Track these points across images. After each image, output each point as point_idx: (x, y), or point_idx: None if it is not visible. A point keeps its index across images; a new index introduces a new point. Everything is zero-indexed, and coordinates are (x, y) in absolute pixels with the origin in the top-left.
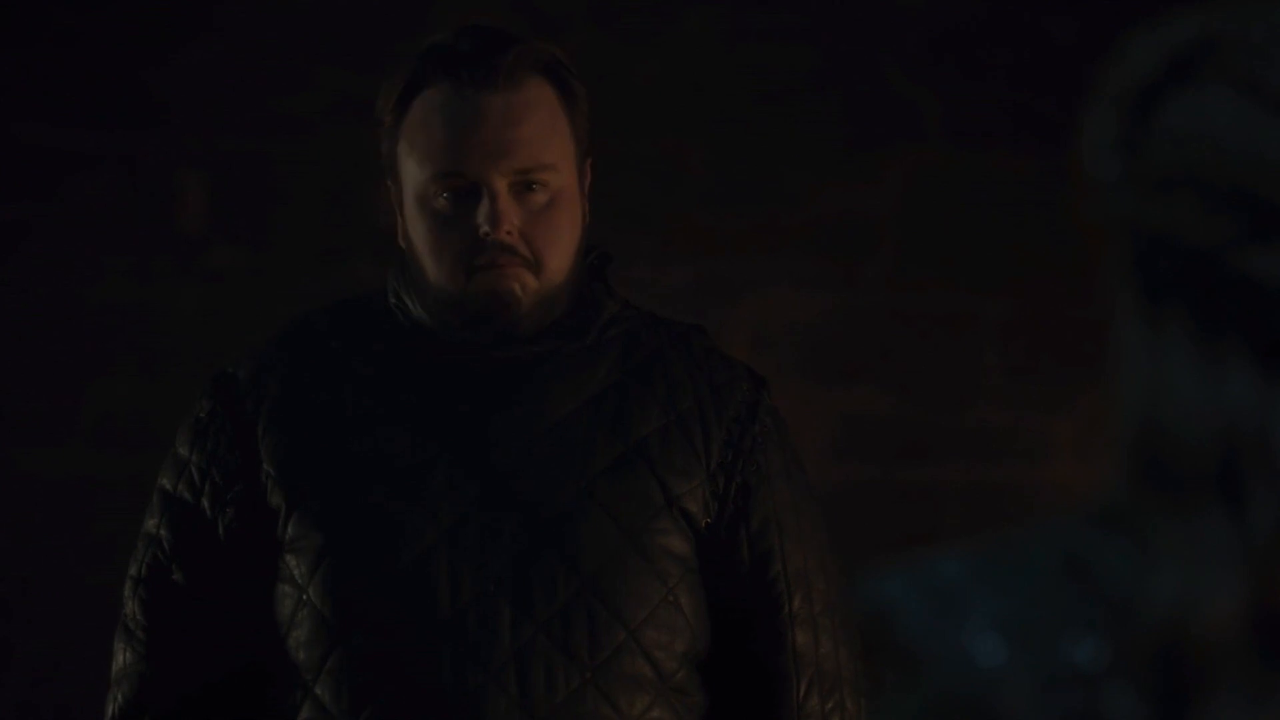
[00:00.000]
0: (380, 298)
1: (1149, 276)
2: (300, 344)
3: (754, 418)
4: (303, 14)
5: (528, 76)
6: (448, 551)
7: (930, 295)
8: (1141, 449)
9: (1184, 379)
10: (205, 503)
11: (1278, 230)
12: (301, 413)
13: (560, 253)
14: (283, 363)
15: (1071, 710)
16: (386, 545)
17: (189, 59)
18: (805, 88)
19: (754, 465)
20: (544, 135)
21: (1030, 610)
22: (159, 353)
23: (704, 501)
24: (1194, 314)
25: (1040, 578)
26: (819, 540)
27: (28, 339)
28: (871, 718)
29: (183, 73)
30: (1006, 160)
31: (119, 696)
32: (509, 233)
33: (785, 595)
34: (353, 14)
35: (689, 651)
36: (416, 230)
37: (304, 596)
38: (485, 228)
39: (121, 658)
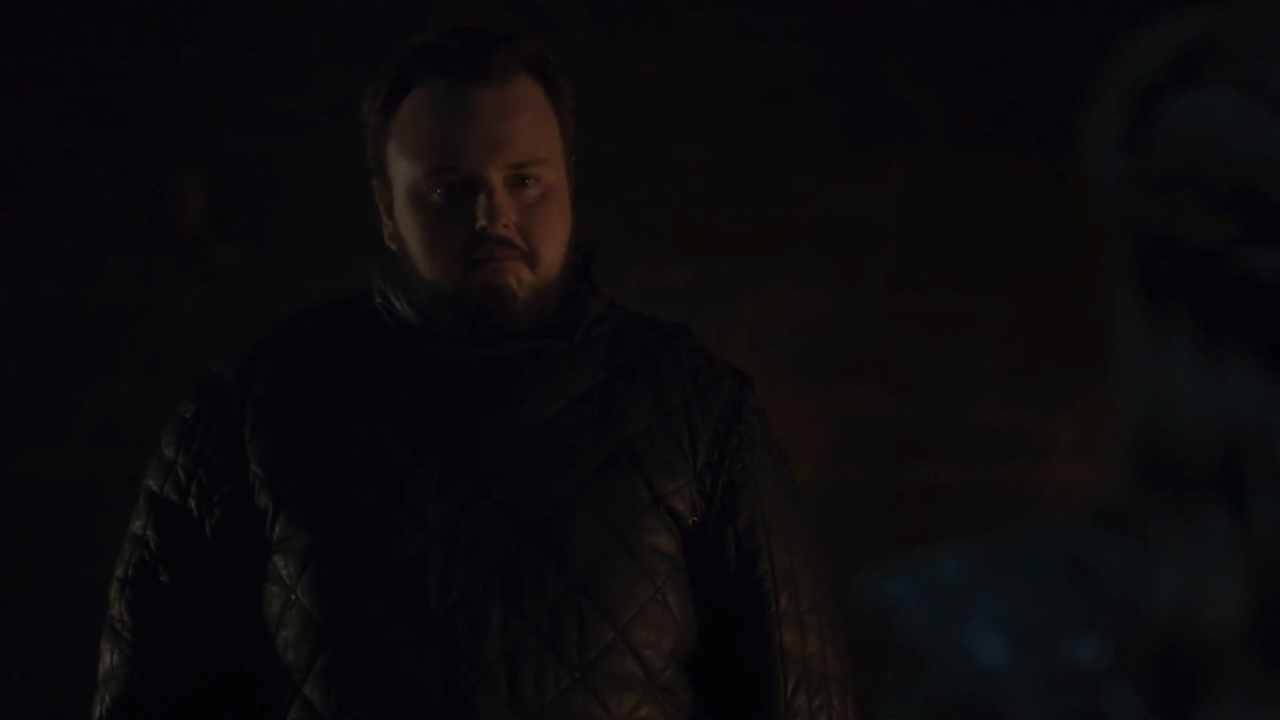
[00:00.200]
0: (367, 298)
1: (1150, 276)
2: (287, 345)
3: (739, 416)
4: (303, 14)
5: (518, 73)
6: (437, 551)
7: (930, 295)
8: (1143, 449)
9: (1185, 379)
10: (192, 503)
11: (1279, 230)
12: (289, 413)
13: (554, 247)
14: (269, 363)
15: (1073, 710)
16: (375, 545)
17: (189, 59)
18: (805, 88)
19: (740, 464)
20: (536, 130)
21: (1032, 610)
22: (159, 353)
23: (691, 500)
24: (1195, 314)
25: (1042, 578)
26: (806, 539)
27: (28, 339)
28: (873, 718)
29: (183, 73)
30: (1006, 160)
31: (106, 698)
32: (506, 226)
33: (772, 594)
34: (353, 14)
35: (677, 650)
36: (409, 228)
37: (292, 597)
38: (482, 222)
39: (109, 659)
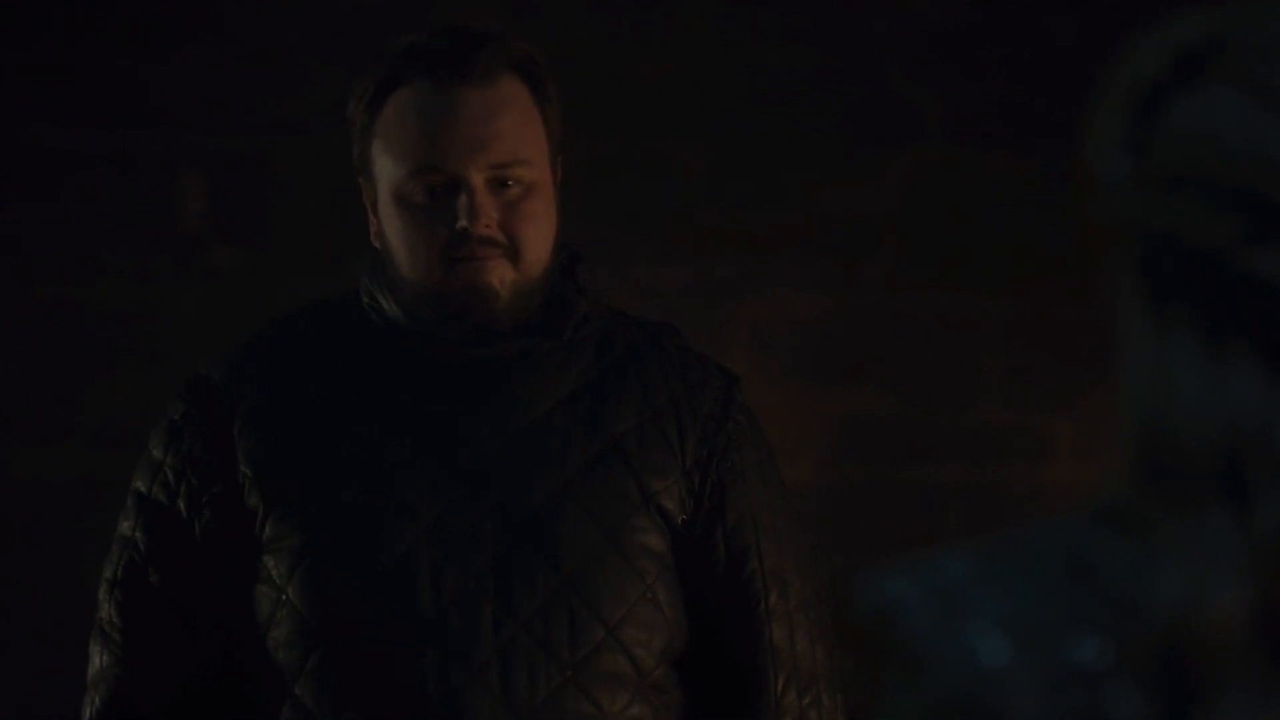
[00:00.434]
0: (355, 298)
1: (1154, 277)
2: (276, 345)
3: (727, 415)
4: (303, 14)
5: (502, 73)
6: (428, 551)
7: (930, 295)
8: (1146, 449)
9: (1189, 379)
10: (181, 504)
11: None
12: (278, 413)
13: (537, 245)
14: (258, 364)
15: (1075, 710)
16: (366, 545)
17: (189, 59)
18: (805, 88)
19: (728, 462)
20: (520, 130)
21: (1034, 610)
22: (159, 353)
23: (680, 499)
24: (1198, 314)
25: (1044, 578)
26: (794, 537)
27: (28, 339)
28: (874, 718)
29: (183, 73)
30: (1006, 160)
31: (96, 700)
32: (488, 226)
33: (761, 592)
34: (353, 14)
35: (667, 649)
36: (393, 226)
37: (283, 597)
38: (464, 222)
39: (98, 660)
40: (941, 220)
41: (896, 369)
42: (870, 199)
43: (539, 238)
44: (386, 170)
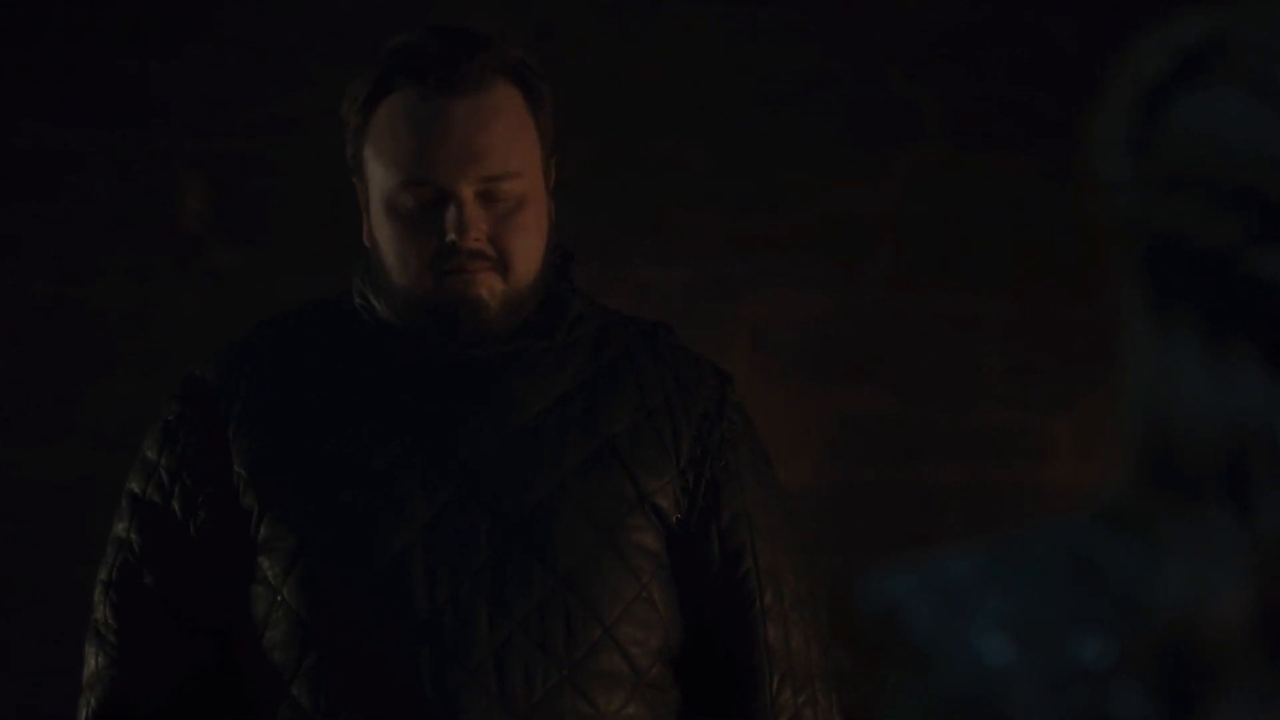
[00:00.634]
0: (348, 298)
1: (1158, 276)
2: (269, 345)
3: (721, 414)
4: (303, 14)
5: (494, 80)
6: (423, 551)
7: (930, 295)
8: (1149, 448)
9: (1192, 379)
10: (176, 505)
11: None
12: (272, 414)
13: (527, 255)
14: (252, 364)
15: (1078, 709)
16: (361, 545)
17: (189, 59)
18: (805, 88)
19: (723, 462)
20: (510, 140)
21: (1037, 610)
22: (159, 353)
23: (674, 498)
24: (1202, 314)
25: (1047, 577)
26: (788, 536)
27: (28, 339)
28: (878, 717)
29: (183, 73)
30: (1006, 160)
31: (91, 701)
32: (477, 239)
33: (756, 591)
34: (353, 14)
35: (663, 648)
36: (384, 234)
37: (279, 598)
38: (453, 236)
39: (93, 662)
40: (941, 220)
41: (896, 369)
42: (870, 199)
43: (529, 249)
44: (378, 176)
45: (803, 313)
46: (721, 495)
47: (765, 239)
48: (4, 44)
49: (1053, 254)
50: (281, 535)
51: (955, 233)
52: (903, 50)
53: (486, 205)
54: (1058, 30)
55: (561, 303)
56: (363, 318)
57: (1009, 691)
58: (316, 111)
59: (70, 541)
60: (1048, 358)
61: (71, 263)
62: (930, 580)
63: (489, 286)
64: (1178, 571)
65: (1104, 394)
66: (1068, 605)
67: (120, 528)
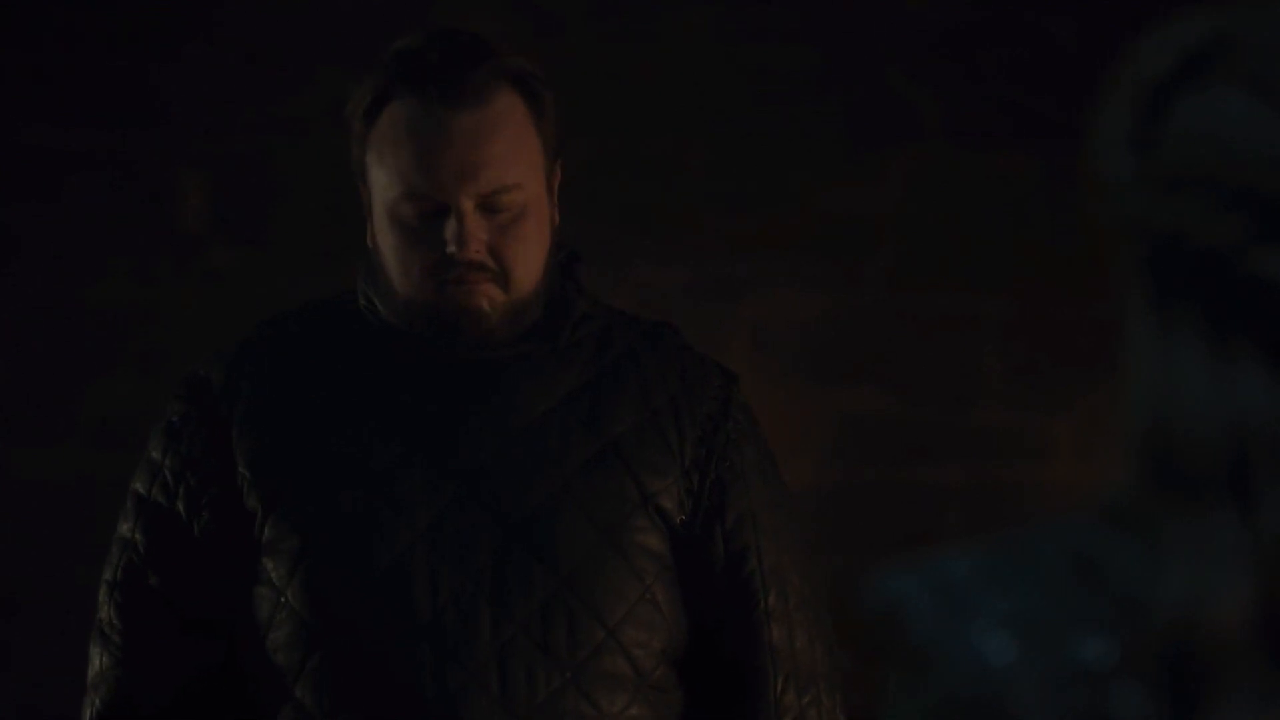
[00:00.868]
0: (351, 299)
1: (1160, 276)
2: (273, 346)
3: (727, 414)
4: (303, 14)
5: (495, 90)
6: (425, 552)
7: (930, 295)
8: (1151, 448)
9: (1194, 378)
10: (180, 506)
11: None
12: (276, 415)
13: (529, 264)
14: (256, 365)
15: (1080, 709)
16: (364, 547)
17: (189, 59)
18: (805, 88)
19: (727, 462)
20: (512, 151)
21: (1038, 609)
22: (159, 353)
23: (679, 498)
24: (1204, 314)
25: (1049, 577)
26: (793, 536)
27: (28, 339)
28: (880, 717)
29: (183, 73)
30: (1006, 160)
31: (96, 701)
32: (477, 251)
33: (760, 591)
34: (353, 14)
35: (667, 649)
36: (386, 241)
37: (282, 599)
38: (452, 248)
39: (98, 662)
40: (941, 220)
41: (896, 369)
42: (870, 199)
43: (530, 259)
44: (380, 184)
45: (803, 313)
46: (726, 496)
47: (765, 239)
48: (4, 44)
49: (1053, 254)
50: (285, 536)
51: (955, 233)
52: (903, 50)
53: (487, 216)
54: (1058, 30)
55: (566, 304)
56: (366, 318)
57: (1010, 691)
58: (317, 112)
59: (70, 541)
60: (1048, 358)
61: (71, 263)
62: (931, 580)
63: (489, 297)
64: (1179, 571)
65: (1104, 394)
66: (1069, 605)
67: (125, 528)
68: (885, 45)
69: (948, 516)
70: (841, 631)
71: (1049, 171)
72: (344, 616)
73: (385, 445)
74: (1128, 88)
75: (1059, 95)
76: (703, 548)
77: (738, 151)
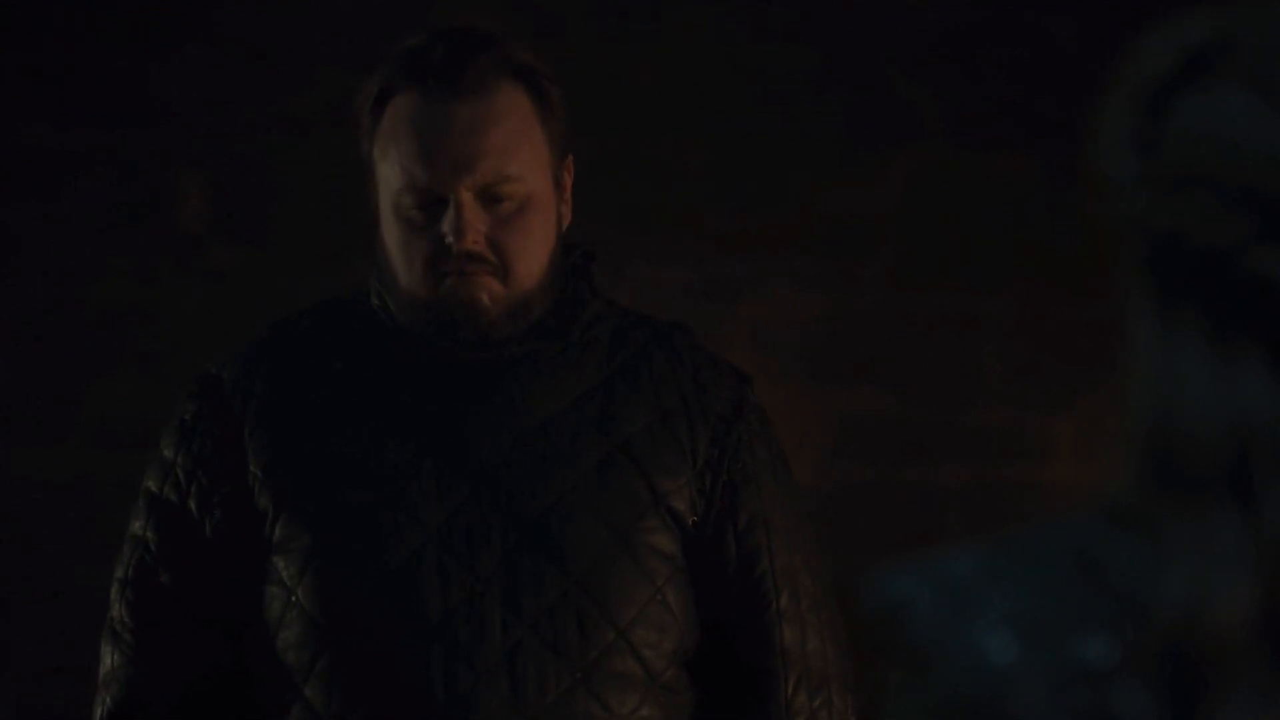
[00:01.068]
0: (363, 298)
1: (1162, 276)
2: (285, 345)
3: (740, 415)
4: (303, 14)
5: (497, 83)
6: (436, 552)
7: (930, 295)
8: (1152, 448)
9: (1196, 378)
10: (192, 504)
11: None
12: (287, 414)
13: (530, 258)
14: (268, 364)
15: (1082, 708)
16: (374, 546)
17: (189, 59)
18: (805, 88)
19: (740, 463)
20: (511, 144)
21: (1042, 608)
22: (159, 353)
23: (691, 499)
24: (1207, 313)
25: (1052, 576)
26: (805, 537)
27: (28, 339)
28: (882, 716)
29: (183, 73)
30: (1006, 160)
31: (107, 699)
32: (475, 242)
33: (772, 593)
34: (353, 14)
35: (678, 650)
36: (390, 236)
37: (293, 598)
38: (450, 238)
39: (109, 660)
40: (941, 220)
41: (896, 369)
42: (870, 199)
43: (531, 252)
44: (384, 178)
45: (803, 313)
46: (738, 497)
47: (765, 239)
48: (4, 44)
49: (1053, 254)
50: (296, 536)
51: (955, 233)
52: (903, 50)
53: (488, 208)
54: (1058, 30)
55: (577, 304)
56: (379, 318)
57: (1012, 690)
58: (317, 112)
59: (70, 541)
60: (1048, 358)
61: (71, 263)
62: (933, 579)
63: (489, 290)
64: (1181, 571)
65: (1104, 394)
66: (1070, 605)
67: (137, 526)
68: (885, 45)
69: (948, 516)
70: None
71: (1049, 171)
72: (354, 616)
73: (397, 445)
74: (1129, 88)
75: (1059, 95)
76: (715, 549)
77: (738, 151)
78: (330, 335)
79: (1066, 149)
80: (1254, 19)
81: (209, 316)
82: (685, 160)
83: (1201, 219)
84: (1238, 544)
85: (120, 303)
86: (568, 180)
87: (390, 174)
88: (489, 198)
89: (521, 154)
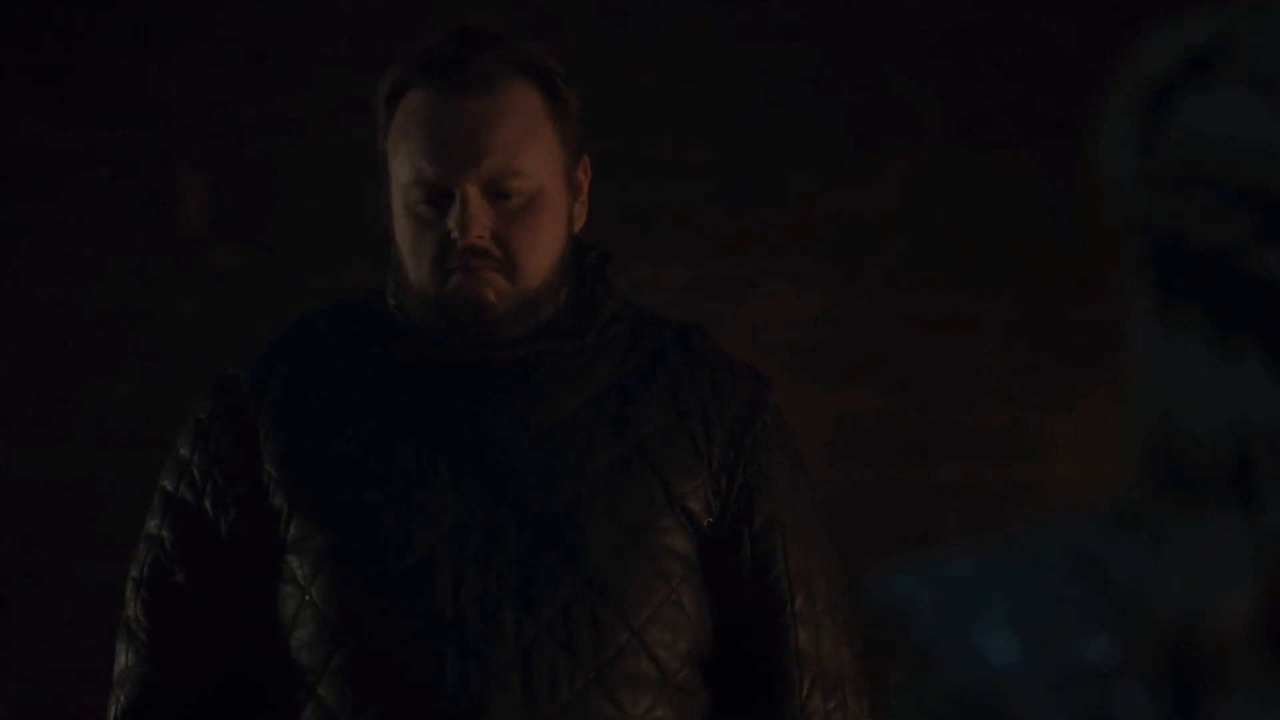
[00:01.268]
0: (379, 298)
1: (1163, 276)
2: (301, 345)
3: (756, 417)
4: (303, 14)
5: (508, 80)
6: (449, 552)
7: (930, 295)
8: (1153, 448)
9: (1197, 378)
10: (207, 504)
11: None
12: (303, 414)
13: (537, 256)
14: (284, 364)
15: (1083, 708)
16: (388, 546)
17: (189, 59)
18: (805, 88)
19: (756, 465)
20: (519, 140)
21: (1043, 608)
22: (159, 353)
23: (706, 501)
24: (1207, 314)
25: (1053, 576)
26: (821, 539)
27: (28, 339)
28: (885, 716)
29: (183, 73)
30: (1006, 160)
31: (121, 698)
32: (480, 237)
33: (787, 595)
34: (353, 14)
35: (692, 651)
36: (401, 231)
37: (307, 597)
38: (455, 232)
39: (124, 659)
40: (941, 220)
41: (896, 369)
42: (870, 199)
43: (538, 249)
44: (396, 174)
45: (803, 313)
46: (754, 499)
47: (765, 239)
48: (4, 44)
49: (1053, 254)
50: (310, 535)
51: (955, 233)
52: (903, 50)
53: (494, 204)
54: (1058, 30)
55: (593, 304)
56: (395, 318)
57: (1013, 690)
58: (317, 112)
59: (70, 541)
60: (1048, 358)
61: (71, 263)
62: (934, 579)
63: (495, 287)
64: (1181, 571)
65: (1104, 394)
66: (1072, 605)
67: (152, 525)
68: (885, 45)
69: (948, 516)
70: None
71: (1049, 171)
72: (368, 615)
73: (412, 444)
74: (1129, 88)
75: (1059, 95)
76: (730, 550)
77: (738, 151)
78: (346, 335)
79: (1066, 149)
80: (1254, 19)
81: (209, 316)
82: (685, 160)
83: (1202, 219)
84: (1238, 544)
85: (120, 303)
86: (583, 181)
87: (401, 169)
88: (496, 193)
89: (530, 150)
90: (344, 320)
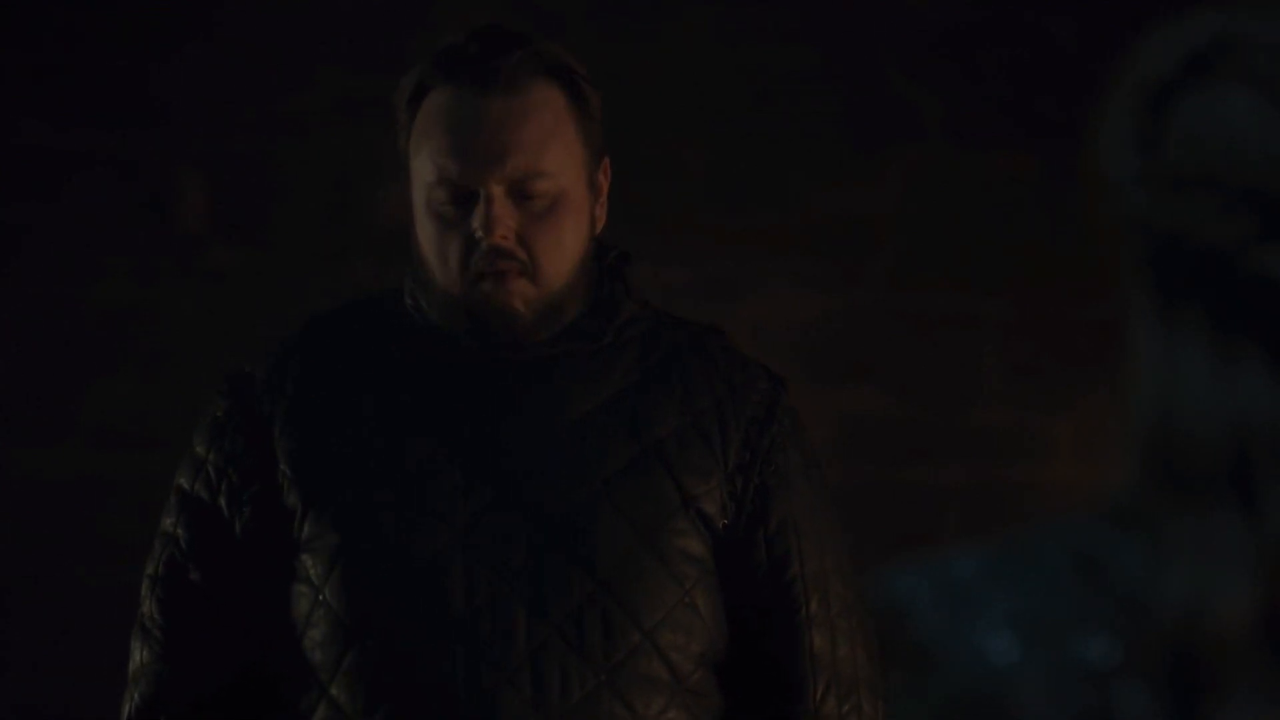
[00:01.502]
0: (392, 298)
1: (1163, 276)
2: (316, 344)
3: (772, 419)
4: (303, 14)
5: (531, 80)
6: (461, 552)
7: (931, 295)
8: (1155, 448)
9: (1197, 378)
10: (222, 502)
11: None
12: (318, 413)
13: (560, 258)
14: (299, 363)
15: (1084, 708)
16: (401, 546)
17: (189, 59)
18: (805, 88)
19: (772, 467)
20: (543, 140)
21: (1044, 608)
22: (159, 353)
23: (721, 502)
24: (1208, 313)
25: (1053, 576)
26: (836, 542)
27: (28, 339)
28: (886, 716)
29: (183, 73)
30: (1006, 160)
31: (136, 695)
32: (504, 237)
33: (802, 597)
34: (353, 14)
35: (706, 653)
36: (424, 231)
37: (320, 596)
38: (479, 232)
39: (139, 656)
40: (941, 220)
41: (896, 369)
42: (870, 199)
43: (561, 251)
44: (418, 174)
45: (803, 312)
46: (769, 501)
47: (765, 239)
48: (4, 44)
49: (1053, 254)
50: (323, 534)
51: (955, 233)
52: (903, 50)
53: (519, 204)
54: (1058, 30)
55: (612, 305)
56: (412, 318)
57: (1013, 690)
58: (317, 112)
59: (70, 541)
60: (1048, 358)
61: (71, 263)
62: (935, 579)
63: (521, 294)
64: (1181, 571)
65: (1104, 394)
66: (1072, 605)
67: (168, 523)
68: (885, 45)
69: (948, 516)
70: None
71: (1049, 171)
72: (380, 615)
73: (425, 444)
74: (1130, 88)
75: (1059, 95)
76: (745, 552)
77: (738, 151)
78: (362, 334)
79: (1066, 149)
80: (1254, 19)
81: (209, 316)
82: (685, 160)
83: (1202, 219)
84: (1238, 544)
85: (120, 303)
86: (604, 183)
87: (423, 169)
88: (520, 194)
89: (554, 151)
90: (358, 320)
